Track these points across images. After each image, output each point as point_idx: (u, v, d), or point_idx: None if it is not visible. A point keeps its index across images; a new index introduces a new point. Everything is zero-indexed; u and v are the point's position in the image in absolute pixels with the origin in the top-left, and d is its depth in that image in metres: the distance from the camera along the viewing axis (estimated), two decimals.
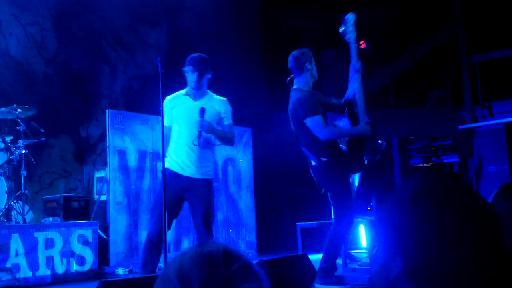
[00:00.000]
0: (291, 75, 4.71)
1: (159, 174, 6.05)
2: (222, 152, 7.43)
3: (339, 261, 5.20)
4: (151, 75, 8.35)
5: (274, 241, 7.41)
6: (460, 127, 7.19)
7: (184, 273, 0.92)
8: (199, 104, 4.40)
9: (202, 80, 4.44)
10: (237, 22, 9.24)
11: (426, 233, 0.93)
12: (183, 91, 4.55)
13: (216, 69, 9.11)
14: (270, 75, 8.95)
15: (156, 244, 4.33)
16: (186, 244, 6.74)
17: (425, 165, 6.99)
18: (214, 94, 4.57)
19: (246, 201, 7.55)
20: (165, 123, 4.39)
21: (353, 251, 5.97)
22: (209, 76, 4.50)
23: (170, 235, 6.27)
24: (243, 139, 7.75)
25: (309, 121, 4.48)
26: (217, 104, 4.52)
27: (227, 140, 4.58)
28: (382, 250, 0.97)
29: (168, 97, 4.55)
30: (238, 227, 7.38)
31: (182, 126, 4.45)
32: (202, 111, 4.30)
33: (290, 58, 4.70)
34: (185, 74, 4.48)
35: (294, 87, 4.69)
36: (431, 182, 0.99)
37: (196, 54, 4.51)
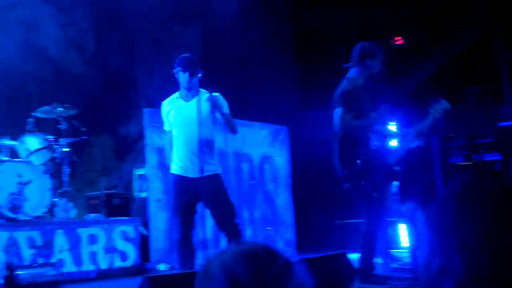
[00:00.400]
0: (350, 63, 4.68)
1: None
2: (258, 150, 7.44)
3: (379, 260, 5.15)
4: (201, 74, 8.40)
5: (312, 239, 7.38)
6: (500, 124, 7.02)
7: (230, 271, 0.92)
8: (191, 104, 4.45)
9: (193, 79, 4.47)
10: (269, 21, 9.23)
11: (467, 234, 0.92)
12: (176, 94, 4.62)
13: (250, 69, 9.17)
14: (305, 73, 8.92)
15: (188, 244, 4.41)
16: (224, 242, 6.76)
17: (466, 163, 6.87)
18: (206, 92, 4.56)
19: (283, 199, 7.54)
20: (165, 127, 4.58)
21: (393, 250, 5.91)
22: (200, 75, 4.52)
23: (208, 233, 6.31)
24: (279, 137, 7.74)
25: (334, 112, 4.50)
26: (210, 103, 4.51)
27: (232, 125, 4.53)
28: (425, 248, 0.97)
29: (164, 102, 4.65)
30: (276, 225, 7.38)
31: (178, 129, 4.53)
32: (212, 98, 4.33)
33: (355, 47, 4.67)
34: (176, 76, 4.53)
35: (347, 75, 4.68)
36: (475, 182, 0.98)
37: (185, 55, 4.56)
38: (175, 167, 4.50)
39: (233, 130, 4.56)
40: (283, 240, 7.39)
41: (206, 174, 4.40)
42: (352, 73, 4.67)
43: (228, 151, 7.01)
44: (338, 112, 4.47)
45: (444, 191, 1.01)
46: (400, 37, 8.56)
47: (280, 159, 7.65)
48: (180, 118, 4.50)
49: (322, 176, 8.32)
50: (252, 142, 7.36)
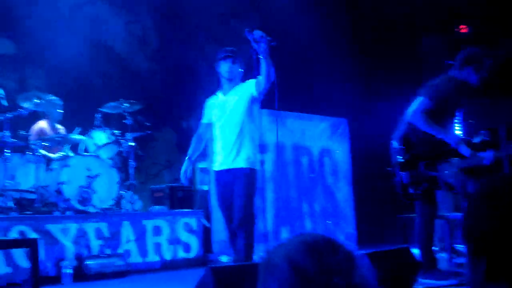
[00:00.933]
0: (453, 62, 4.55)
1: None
2: (317, 143, 7.42)
3: (443, 255, 5.04)
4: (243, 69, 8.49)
5: (374, 234, 7.30)
6: None
7: (294, 262, 0.93)
8: (227, 98, 4.43)
9: (234, 69, 4.42)
10: (329, 11, 9.14)
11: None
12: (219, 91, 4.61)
13: (309, 61, 9.11)
14: (366, 64, 8.78)
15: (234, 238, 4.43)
16: (284, 234, 6.81)
17: None
18: (245, 83, 4.50)
19: (343, 193, 7.49)
20: (202, 120, 4.65)
21: (458, 245, 5.76)
22: (241, 69, 4.48)
23: (269, 226, 6.38)
24: (339, 130, 7.68)
25: (416, 98, 4.40)
26: (246, 86, 4.45)
27: (269, 69, 4.19)
28: (467, 248, 0.97)
29: (209, 98, 4.70)
30: (337, 219, 7.35)
31: (216, 123, 4.53)
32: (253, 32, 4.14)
33: (463, 51, 4.48)
34: (217, 69, 4.47)
35: (448, 73, 4.55)
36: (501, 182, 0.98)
37: (226, 48, 4.51)
38: (214, 162, 4.55)
39: (268, 75, 4.19)
40: (344, 234, 7.35)
41: (237, 167, 4.33)
42: (452, 73, 4.53)
43: (287, 144, 7.04)
44: (421, 100, 4.37)
45: (475, 191, 1.02)
46: (465, 26, 8.26)
47: (340, 152, 7.60)
48: (217, 112, 4.51)
49: (383, 169, 8.21)
50: (311, 135, 7.35)
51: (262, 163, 6.14)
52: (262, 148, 5.81)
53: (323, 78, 9.02)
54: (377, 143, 8.14)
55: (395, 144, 4.56)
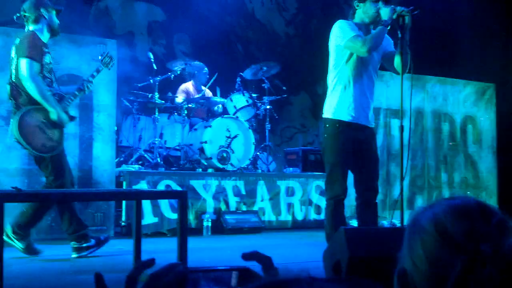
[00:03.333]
0: None
1: (394, 132, 6.04)
2: (460, 110, 7.03)
3: None
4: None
5: None
6: None
7: (441, 225, 0.90)
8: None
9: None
10: None
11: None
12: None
13: (454, 25, 8.56)
14: None
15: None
16: (419, 203, 6.63)
17: None
18: None
19: (487, 163, 7.06)
20: None
21: None
22: None
23: (404, 193, 6.24)
24: (485, 96, 7.19)
25: None
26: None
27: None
28: None
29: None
30: (477, 190, 6.97)
31: None
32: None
33: None
34: (361, 6, 3.71)
35: None
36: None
37: None
38: None
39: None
40: None
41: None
42: None
43: (427, 110, 6.77)
44: None
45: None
46: None
47: (485, 120, 7.12)
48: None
49: None
50: (454, 101, 6.98)
51: (402, 128, 5.99)
52: (399, 113, 5.65)
53: (469, 41, 8.45)
54: None
55: None
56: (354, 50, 3.64)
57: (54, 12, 4.17)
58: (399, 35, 3.69)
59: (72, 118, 4.23)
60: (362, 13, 3.72)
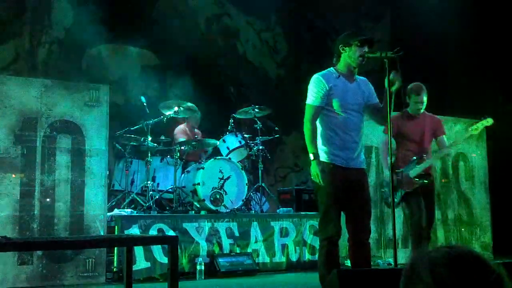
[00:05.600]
0: None
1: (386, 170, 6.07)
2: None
3: None
4: (376, 69, 8.38)
5: None
6: None
7: (439, 276, 0.90)
8: (354, 86, 3.84)
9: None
10: (465, 11, 8.67)
11: None
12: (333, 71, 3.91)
13: (444, 62, 8.70)
14: (504, 64, 8.19)
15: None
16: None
17: None
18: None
19: (480, 199, 7.06)
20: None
21: None
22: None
23: (398, 232, 6.21)
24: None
25: None
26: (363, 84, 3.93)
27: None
28: None
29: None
30: (472, 227, 6.95)
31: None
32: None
33: None
34: (344, 50, 3.73)
35: None
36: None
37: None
38: None
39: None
40: (479, 242, 6.92)
41: None
42: None
43: None
44: None
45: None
46: None
47: (477, 156, 7.16)
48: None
49: None
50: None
51: (392, 168, 6.01)
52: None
53: (459, 78, 8.59)
54: None
55: None
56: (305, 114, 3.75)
57: None
58: (386, 85, 3.75)
59: None
60: (348, 57, 3.78)
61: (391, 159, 3.95)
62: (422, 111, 4.95)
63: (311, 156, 3.67)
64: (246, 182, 6.29)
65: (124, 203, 6.04)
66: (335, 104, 3.72)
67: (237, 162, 6.42)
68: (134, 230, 5.36)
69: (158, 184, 6.39)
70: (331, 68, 3.82)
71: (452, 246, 0.98)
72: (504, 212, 7.24)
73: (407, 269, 0.97)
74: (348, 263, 5.94)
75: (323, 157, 3.75)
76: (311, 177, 3.85)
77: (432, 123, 5.00)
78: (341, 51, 3.77)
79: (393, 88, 3.75)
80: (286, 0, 8.73)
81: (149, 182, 6.13)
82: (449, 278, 0.89)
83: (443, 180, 6.95)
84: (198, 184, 6.04)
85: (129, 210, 5.89)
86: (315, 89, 3.72)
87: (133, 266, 4.86)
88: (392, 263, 4.96)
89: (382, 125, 3.87)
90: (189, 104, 6.83)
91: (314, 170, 3.66)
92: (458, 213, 6.92)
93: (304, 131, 3.76)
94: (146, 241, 4.56)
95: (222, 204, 6.08)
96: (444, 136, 5.04)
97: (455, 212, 6.91)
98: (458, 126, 7.19)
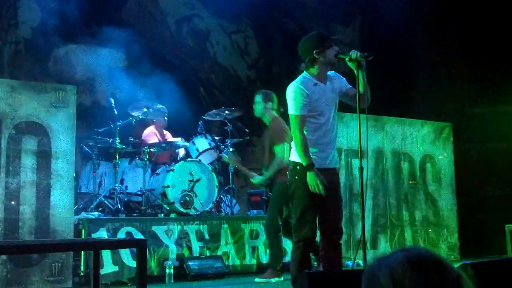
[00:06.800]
0: None
1: (355, 172, 6.11)
2: (419, 148, 7.18)
3: None
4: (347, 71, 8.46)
5: (478, 244, 6.92)
6: None
7: (399, 280, 0.90)
8: (328, 87, 3.86)
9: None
10: (433, 17, 8.84)
11: None
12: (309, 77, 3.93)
13: (411, 65, 8.85)
14: (472, 68, 8.37)
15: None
16: (382, 242, 6.67)
17: None
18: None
19: (447, 201, 7.18)
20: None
21: None
22: None
23: (367, 233, 6.27)
24: (443, 135, 7.38)
25: None
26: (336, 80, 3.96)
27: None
28: None
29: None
30: (439, 228, 7.07)
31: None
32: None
33: None
34: (318, 54, 3.74)
35: None
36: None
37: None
38: None
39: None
40: (446, 243, 7.04)
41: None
42: None
43: (386, 149, 6.89)
44: None
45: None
46: None
47: (444, 158, 7.29)
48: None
49: (490, 176, 7.78)
50: (412, 140, 7.14)
51: (361, 169, 6.06)
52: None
53: (426, 82, 8.73)
54: (484, 149, 7.74)
55: None
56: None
57: None
58: (356, 74, 3.77)
59: None
60: (323, 60, 3.76)
61: (361, 159, 3.98)
62: None
63: (307, 167, 3.64)
64: (217, 184, 6.26)
65: (92, 206, 5.93)
66: (315, 110, 3.73)
67: (207, 164, 6.38)
68: (102, 234, 5.26)
69: (126, 186, 6.29)
70: (305, 73, 3.81)
71: (408, 248, 0.98)
72: (470, 213, 7.38)
73: (366, 277, 0.97)
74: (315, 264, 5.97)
75: (297, 156, 3.75)
76: (292, 181, 3.80)
77: None
78: (316, 56, 3.73)
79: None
80: (258, 2, 8.74)
81: (117, 184, 6.04)
82: (409, 281, 0.89)
83: (410, 182, 7.05)
84: (168, 186, 5.98)
85: (96, 213, 5.78)
86: (298, 99, 3.68)
87: (101, 270, 4.79)
88: (362, 264, 5.00)
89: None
90: (159, 105, 6.77)
91: (313, 181, 3.63)
92: (425, 214, 7.03)
93: (294, 143, 3.72)
94: (113, 245, 4.48)
95: (192, 206, 6.03)
96: None
97: (423, 213, 7.02)
98: (426, 128, 7.31)
